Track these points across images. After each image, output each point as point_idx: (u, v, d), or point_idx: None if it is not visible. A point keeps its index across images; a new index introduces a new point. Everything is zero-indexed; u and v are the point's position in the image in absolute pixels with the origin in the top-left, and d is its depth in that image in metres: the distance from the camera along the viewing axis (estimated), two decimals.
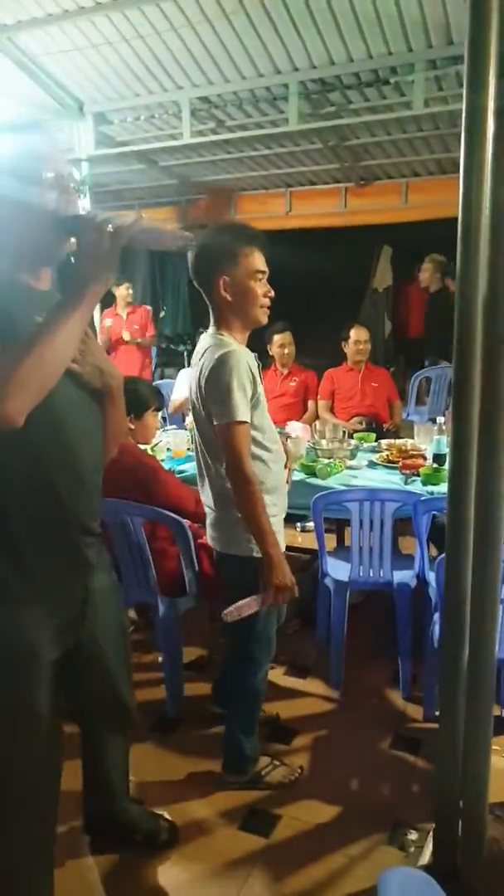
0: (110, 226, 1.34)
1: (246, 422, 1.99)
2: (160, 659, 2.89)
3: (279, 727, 2.59)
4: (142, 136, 5.53)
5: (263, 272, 2.09)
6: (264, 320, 2.13)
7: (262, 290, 2.09)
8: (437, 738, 1.97)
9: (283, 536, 2.19)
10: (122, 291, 6.15)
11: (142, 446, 2.87)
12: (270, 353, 4.73)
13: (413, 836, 2.08)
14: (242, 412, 1.97)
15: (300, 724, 2.61)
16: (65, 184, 1.43)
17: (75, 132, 5.27)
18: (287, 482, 2.26)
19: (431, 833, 1.98)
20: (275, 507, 2.13)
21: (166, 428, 4.08)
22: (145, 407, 2.73)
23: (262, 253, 2.10)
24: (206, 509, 2.22)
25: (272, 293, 2.11)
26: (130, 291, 6.25)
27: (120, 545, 2.66)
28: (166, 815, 2.14)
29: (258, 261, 2.08)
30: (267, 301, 2.11)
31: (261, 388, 2.09)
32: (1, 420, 1.24)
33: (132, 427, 2.69)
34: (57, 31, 4.36)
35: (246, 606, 2.03)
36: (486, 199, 1.76)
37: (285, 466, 2.25)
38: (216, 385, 1.98)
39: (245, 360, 2.02)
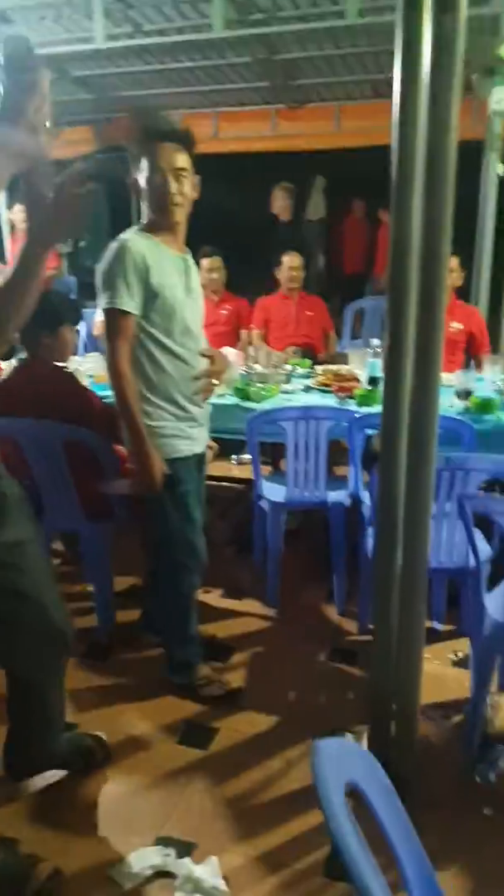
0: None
1: (127, 312, 2.03)
2: (91, 589, 2.90)
3: (216, 646, 2.65)
4: (49, 37, 5.22)
5: (179, 169, 2.08)
6: (176, 218, 2.14)
7: (175, 188, 2.08)
8: (372, 643, 2.07)
9: (190, 443, 2.25)
10: (17, 215, 5.78)
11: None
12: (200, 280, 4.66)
13: (348, 738, 2.19)
14: (121, 301, 2.02)
15: (237, 642, 2.69)
16: None
17: None
18: (201, 392, 2.26)
19: (366, 733, 2.10)
20: (169, 411, 2.18)
21: (86, 354, 4.01)
22: (59, 320, 2.61)
23: (179, 149, 2.09)
24: None
25: (185, 189, 2.11)
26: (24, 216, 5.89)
27: (39, 468, 2.61)
28: (97, 733, 2.16)
29: (170, 156, 2.07)
30: (179, 198, 2.10)
31: (168, 283, 2.09)
32: None
33: (47, 342, 2.60)
34: None
35: (117, 486, 2.33)
36: (421, 125, 1.76)
37: (207, 377, 2.26)
38: (101, 273, 2.06)
39: (138, 249, 2.04)
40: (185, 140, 2.11)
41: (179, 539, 2.28)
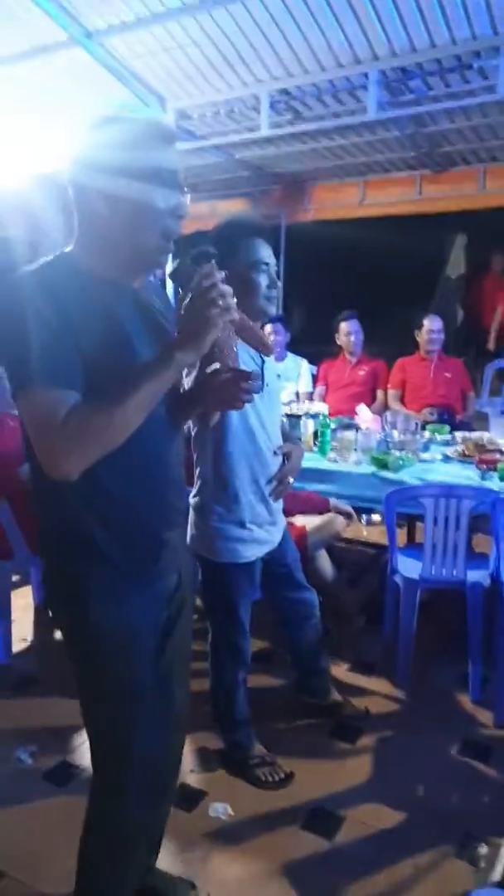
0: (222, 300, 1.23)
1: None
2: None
3: (344, 725, 2.43)
4: (220, 129, 5.37)
5: (267, 263, 1.95)
6: (271, 311, 2.00)
7: (265, 282, 1.94)
8: None
9: (253, 546, 2.03)
10: None
11: None
12: (338, 342, 4.54)
13: (484, 849, 1.91)
14: None
15: (365, 722, 2.46)
16: (170, 178, 1.31)
17: None
18: (275, 493, 2.05)
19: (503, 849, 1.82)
20: (237, 514, 1.98)
21: None
22: None
23: (265, 243, 1.97)
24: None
25: (278, 284, 1.97)
26: None
27: None
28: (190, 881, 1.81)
29: (259, 251, 1.94)
30: (272, 293, 1.97)
31: None
32: (56, 474, 1.17)
33: None
34: (145, 34, 4.25)
35: None
36: None
37: (283, 477, 2.07)
38: None
39: None
40: (268, 235, 2.01)
41: (225, 641, 2.13)
